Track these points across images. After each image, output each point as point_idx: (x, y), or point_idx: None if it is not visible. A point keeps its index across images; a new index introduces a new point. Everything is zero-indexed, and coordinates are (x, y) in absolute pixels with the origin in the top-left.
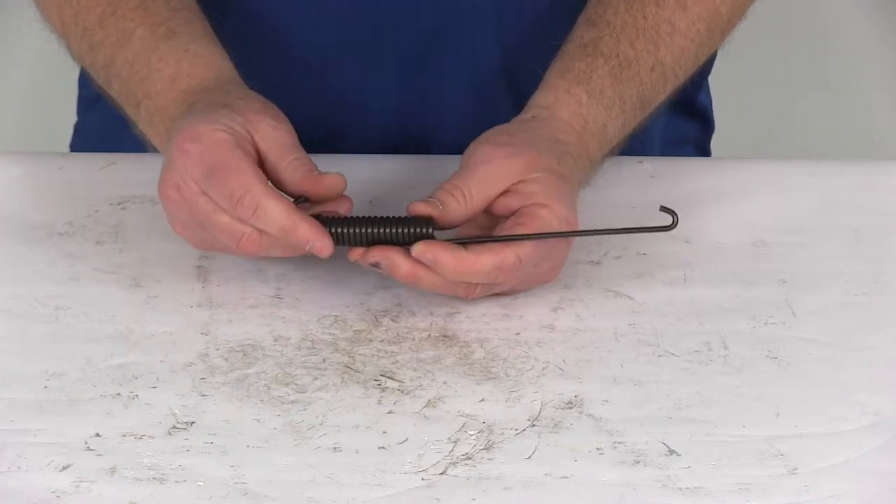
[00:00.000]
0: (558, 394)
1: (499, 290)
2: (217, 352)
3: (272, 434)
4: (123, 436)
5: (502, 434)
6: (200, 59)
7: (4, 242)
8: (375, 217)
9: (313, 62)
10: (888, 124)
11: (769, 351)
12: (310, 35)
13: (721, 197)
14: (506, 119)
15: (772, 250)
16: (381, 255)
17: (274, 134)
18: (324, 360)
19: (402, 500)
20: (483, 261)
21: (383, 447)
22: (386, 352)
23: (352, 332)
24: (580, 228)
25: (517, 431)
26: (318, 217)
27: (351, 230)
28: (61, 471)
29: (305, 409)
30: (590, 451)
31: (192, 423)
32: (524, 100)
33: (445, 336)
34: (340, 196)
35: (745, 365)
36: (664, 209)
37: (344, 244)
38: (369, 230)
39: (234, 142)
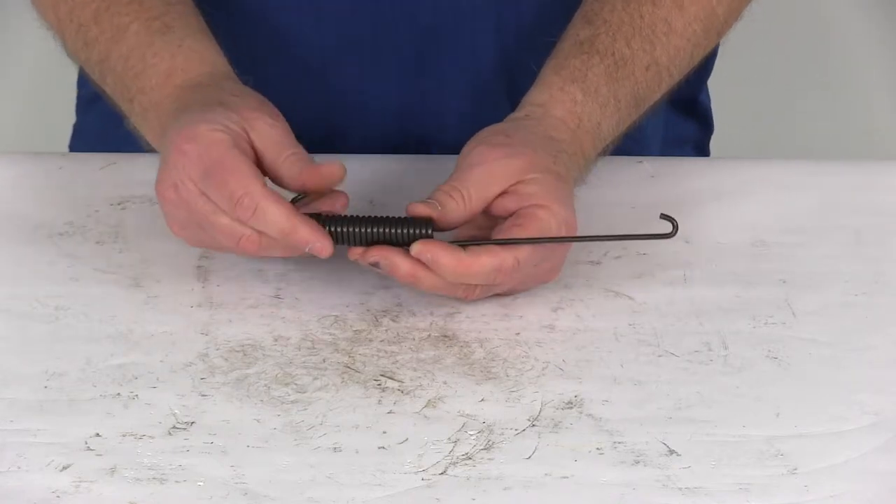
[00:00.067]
0: (558, 394)
1: (498, 291)
2: (217, 352)
3: (272, 434)
4: (123, 436)
5: (502, 434)
6: (195, 54)
7: (4, 242)
8: (375, 217)
9: (313, 62)
10: (888, 124)
11: (769, 351)
12: (309, 35)
13: (721, 197)
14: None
15: (772, 250)
16: (380, 254)
17: (270, 131)
18: (324, 360)
19: (402, 500)
20: (482, 262)
21: (383, 447)
22: (386, 352)
23: (352, 332)
24: (580, 228)
25: (517, 431)
26: (317, 216)
27: (351, 229)
28: (61, 471)
29: (305, 409)
30: (590, 451)
31: (192, 423)
32: None
33: (445, 336)
34: (336, 192)
35: (745, 365)
36: (664, 217)
37: (343, 243)
38: (369, 230)
39: (231, 141)
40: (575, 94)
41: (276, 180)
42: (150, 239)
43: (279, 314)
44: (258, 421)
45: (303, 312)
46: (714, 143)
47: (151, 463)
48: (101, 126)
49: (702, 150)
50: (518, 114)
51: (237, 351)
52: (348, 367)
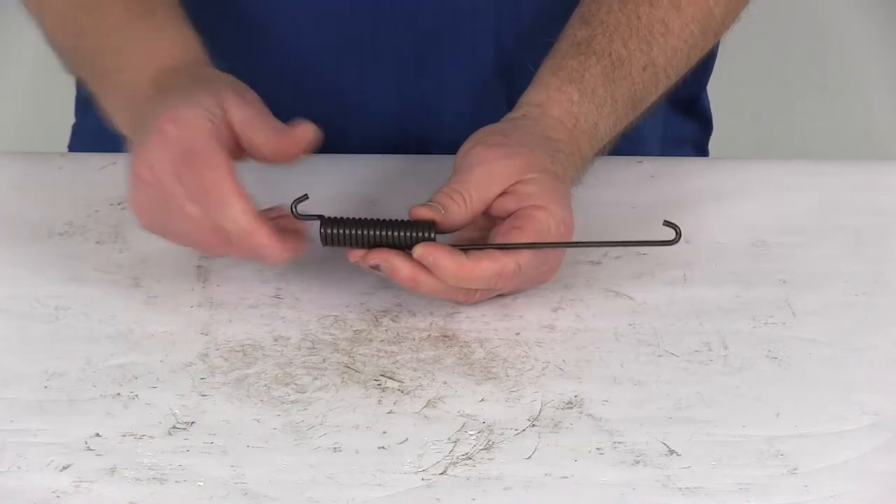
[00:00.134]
0: (558, 394)
1: (498, 293)
2: (217, 352)
3: (272, 434)
4: (123, 436)
5: (502, 434)
6: (177, 39)
7: (4, 242)
8: (378, 220)
9: (313, 63)
10: (888, 124)
11: (769, 351)
12: (309, 36)
13: (721, 197)
14: None
15: (772, 250)
16: (381, 257)
17: (247, 107)
18: (324, 360)
19: (402, 500)
20: (483, 267)
21: (383, 447)
22: (386, 352)
23: (352, 332)
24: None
25: (517, 431)
26: (321, 218)
27: (353, 232)
28: (61, 471)
29: (305, 409)
30: (590, 451)
31: (192, 423)
32: None
33: (445, 336)
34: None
35: (745, 365)
36: (668, 223)
37: (345, 246)
38: (371, 233)
39: (213, 130)
40: (572, 95)
41: (254, 152)
42: (150, 239)
43: (279, 314)
44: (258, 421)
45: (303, 312)
46: (714, 143)
47: (151, 463)
48: (100, 126)
49: (701, 149)
50: (515, 114)
51: (237, 351)
52: (348, 367)
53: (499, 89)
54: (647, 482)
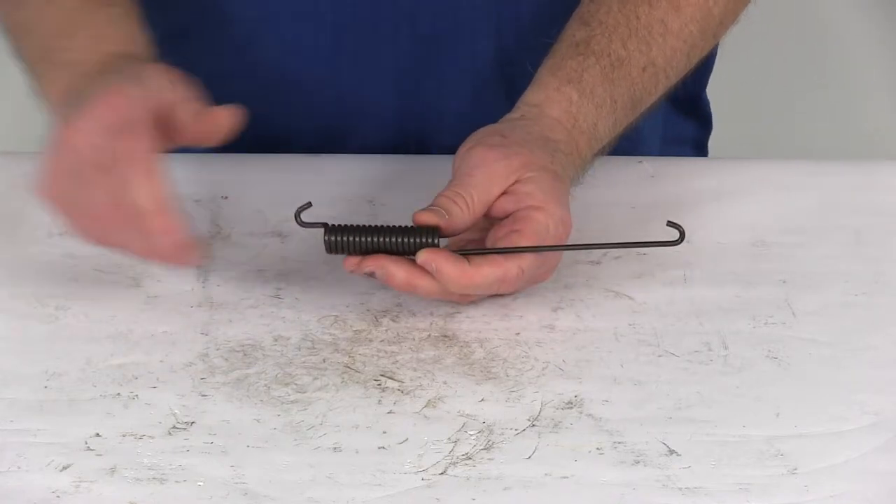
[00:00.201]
0: (558, 394)
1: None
2: (217, 352)
3: (272, 434)
4: (123, 436)
5: (502, 434)
6: (129, 33)
7: (4, 242)
8: (381, 226)
9: (312, 66)
10: (888, 124)
11: (769, 351)
12: (309, 39)
13: (721, 197)
14: None
15: (772, 250)
16: (375, 264)
17: (178, 93)
18: (324, 360)
19: (402, 500)
20: (485, 273)
21: (383, 447)
22: (386, 352)
23: (352, 332)
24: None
25: (517, 431)
26: (325, 225)
27: (357, 239)
28: (61, 471)
29: (305, 409)
30: (590, 451)
31: (192, 423)
32: None
33: (445, 336)
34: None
35: (745, 365)
36: (671, 224)
37: (349, 253)
38: (376, 239)
39: (148, 108)
40: (571, 95)
41: (178, 134)
42: None
43: (279, 314)
44: (258, 421)
45: (303, 312)
46: (714, 143)
47: (151, 463)
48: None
49: (701, 149)
50: (514, 114)
51: (237, 351)
52: (348, 367)
53: (499, 90)
54: (647, 482)
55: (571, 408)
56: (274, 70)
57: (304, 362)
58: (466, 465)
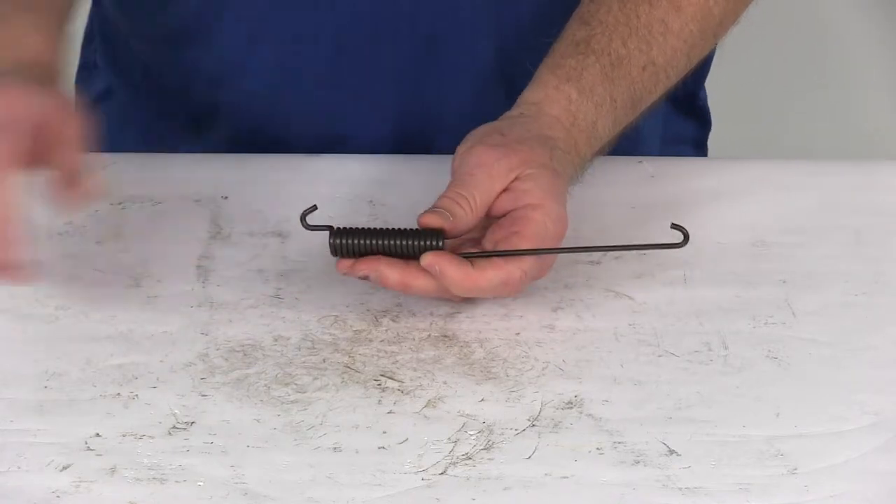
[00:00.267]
0: (558, 394)
1: None
2: (217, 352)
3: (272, 434)
4: (123, 436)
5: (502, 434)
6: (45, 38)
7: None
8: (386, 229)
9: (312, 68)
10: (888, 124)
11: (769, 351)
12: (309, 42)
13: (721, 197)
14: None
15: (772, 250)
16: (369, 267)
17: (70, 123)
18: (324, 360)
19: (402, 500)
20: (489, 276)
21: (383, 447)
22: (386, 352)
23: (352, 332)
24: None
25: (517, 431)
26: (330, 229)
27: (362, 242)
28: (61, 471)
29: (305, 409)
30: (590, 451)
31: (192, 423)
32: None
33: (445, 336)
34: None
35: (745, 365)
36: (675, 226)
37: (355, 255)
38: (380, 242)
39: (29, 112)
40: (570, 93)
41: (50, 162)
42: (150, 239)
43: (279, 314)
44: (258, 421)
45: (303, 312)
46: (713, 143)
47: (151, 463)
48: (100, 129)
49: (700, 147)
50: (513, 112)
51: (237, 351)
52: (348, 367)
53: (499, 90)
54: (647, 482)
55: (571, 408)
56: (274, 71)
57: (304, 362)
58: (466, 465)
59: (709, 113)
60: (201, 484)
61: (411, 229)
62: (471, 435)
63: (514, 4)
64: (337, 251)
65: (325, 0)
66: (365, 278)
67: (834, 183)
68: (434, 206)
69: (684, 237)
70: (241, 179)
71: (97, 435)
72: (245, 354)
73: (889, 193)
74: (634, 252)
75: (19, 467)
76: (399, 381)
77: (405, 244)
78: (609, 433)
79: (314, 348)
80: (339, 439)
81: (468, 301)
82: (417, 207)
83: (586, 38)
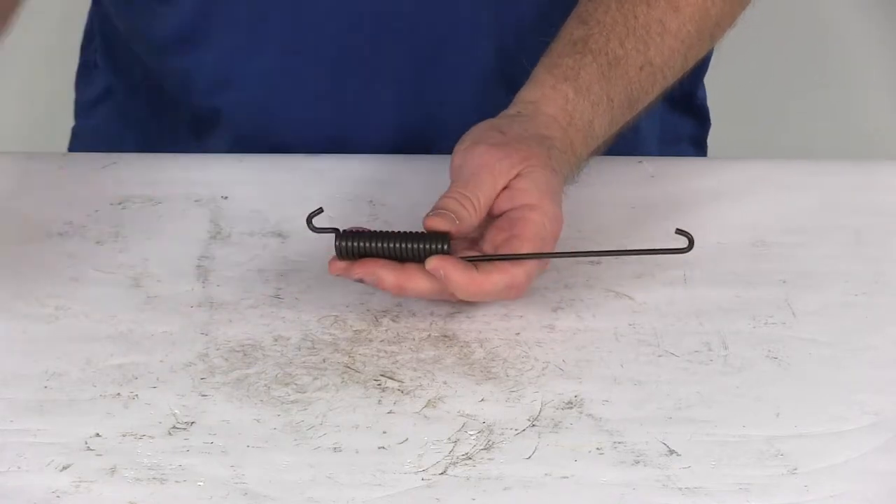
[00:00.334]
0: (558, 394)
1: None
2: (217, 352)
3: (272, 434)
4: (123, 436)
5: (502, 434)
6: None
7: (4, 242)
8: (392, 232)
9: (313, 74)
10: (888, 124)
11: (769, 351)
12: (310, 45)
13: (721, 197)
14: None
15: (772, 250)
16: (364, 271)
17: None
18: (324, 360)
19: (402, 500)
20: (493, 280)
21: (383, 447)
22: (386, 352)
23: (352, 332)
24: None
25: (517, 431)
26: (336, 231)
27: (368, 244)
28: (61, 471)
29: (305, 409)
30: (590, 451)
31: (192, 423)
32: None
33: (445, 336)
34: None
35: (745, 365)
36: (680, 232)
37: (360, 258)
38: (386, 245)
39: None
40: (567, 93)
41: None
42: (150, 239)
43: (279, 314)
44: (258, 421)
45: (303, 312)
46: (713, 143)
47: (151, 463)
48: (100, 130)
49: (700, 146)
50: (510, 111)
51: (237, 351)
52: (348, 367)
53: (500, 91)
54: (647, 482)
55: (571, 408)
56: (274, 76)
57: (304, 362)
58: (466, 465)
59: (707, 111)
60: (201, 484)
61: (417, 232)
62: (471, 435)
63: (514, 5)
64: (342, 254)
65: (326, 3)
66: (360, 281)
67: (834, 183)
68: (438, 208)
69: (689, 242)
70: (241, 179)
71: (97, 435)
72: (245, 354)
73: (889, 193)
74: None
75: (19, 467)
76: (399, 381)
77: (411, 247)
78: (609, 433)
79: (314, 348)
80: (339, 439)
81: (468, 301)
82: (418, 207)
83: (584, 38)
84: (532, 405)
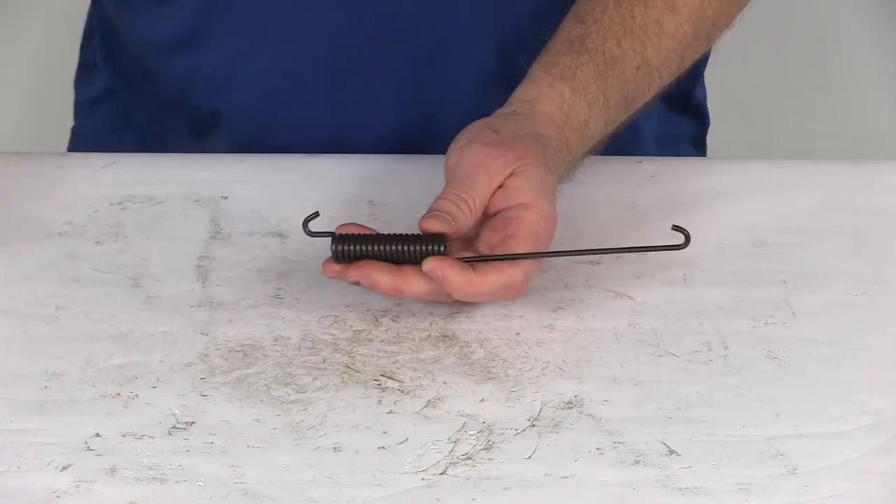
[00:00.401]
0: (558, 394)
1: None
2: (217, 352)
3: (272, 434)
4: (123, 436)
5: (502, 434)
6: None
7: (4, 242)
8: (388, 235)
9: (313, 75)
10: (888, 124)
11: (769, 351)
12: (310, 46)
13: (721, 197)
14: None
15: (772, 250)
16: (359, 274)
17: None
18: (324, 360)
19: (402, 500)
20: (490, 281)
21: (383, 447)
22: (386, 352)
23: (352, 332)
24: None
25: (517, 431)
26: (332, 235)
27: (364, 248)
28: (61, 471)
29: (305, 409)
30: (590, 451)
31: (192, 423)
32: None
33: (445, 336)
34: None
35: (745, 365)
36: (676, 228)
37: (357, 261)
38: (382, 248)
39: None
40: (563, 91)
41: None
42: (150, 239)
43: (279, 314)
44: (258, 421)
45: (303, 312)
46: (713, 143)
47: (151, 463)
48: (99, 130)
49: (699, 145)
50: (505, 109)
51: (237, 351)
52: (348, 367)
53: (500, 91)
54: (647, 482)
55: (571, 408)
56: (274, 77)
57: (304, 362)
58: (466, 465)
59: (706, 110)
60: (201, 484)
61: (412, 234)
62: (471, 435)
63: (513, 5)
64: (339, 257)
65: (325, 3)
66: (357, 284)
67: (834, 183)
68: (434, 209)
69: (686, 238)
70: (241, 179)
71: (97, 435)
72: (245, 354)
73: (889, 193)
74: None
75: (19, 467)
76: (399, 381)
77: (407, 249)
78: (609, 433)
79: (314, 348)
80: (339, 439)
81: (465, 302)
82: (417, 207)
83: (581, 37)
84: (532, 405)
